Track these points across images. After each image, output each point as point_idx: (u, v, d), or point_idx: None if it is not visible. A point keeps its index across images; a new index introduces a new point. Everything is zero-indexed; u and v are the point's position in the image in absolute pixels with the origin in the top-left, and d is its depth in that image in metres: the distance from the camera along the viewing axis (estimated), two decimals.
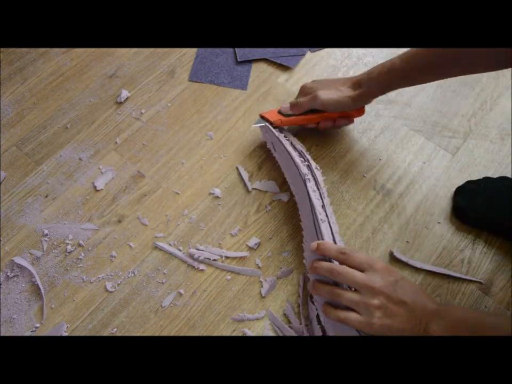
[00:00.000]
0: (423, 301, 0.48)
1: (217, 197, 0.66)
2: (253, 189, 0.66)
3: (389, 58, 0.59)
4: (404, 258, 0.60)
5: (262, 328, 0.56)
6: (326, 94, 0.62)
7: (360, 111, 0.66)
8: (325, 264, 0.50)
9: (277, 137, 0.64)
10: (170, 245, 0.62)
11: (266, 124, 0.66)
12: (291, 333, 0.55)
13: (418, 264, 0.60)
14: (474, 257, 0.61)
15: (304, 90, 0.66)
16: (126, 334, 0.56)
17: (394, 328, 0.46)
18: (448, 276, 0.60)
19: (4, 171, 0.68)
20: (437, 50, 0.54)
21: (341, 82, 0.63)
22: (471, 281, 0.59)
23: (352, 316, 0.47)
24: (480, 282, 0.59)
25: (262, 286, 0.59)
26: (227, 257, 0.61)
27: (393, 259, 0.61)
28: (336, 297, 0.49)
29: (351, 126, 0.72)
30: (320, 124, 0.66)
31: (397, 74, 0.58)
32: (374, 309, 0.46)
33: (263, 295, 0.58)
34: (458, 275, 0.59)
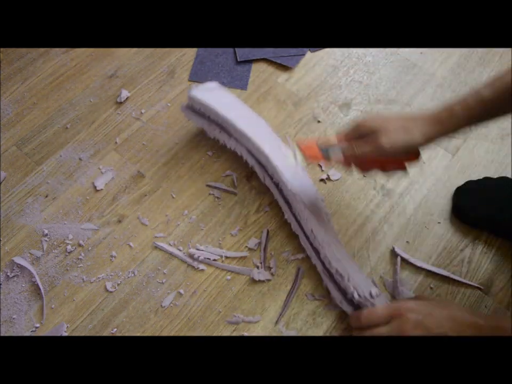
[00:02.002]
0: (465, 323, 0.45)
1: (217, 197, 0.66)
2: (253, 188, 0.66)
3: (471, 89, 0.48)
4: (405, 255, 0.60)
5: (262, 328, 0.56)
6: (392, 136, 0.47)
7: (418, 157, 0.51)
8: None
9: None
10: (170, 245, 0.62)
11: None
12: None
13: (418, 263, 0.60)
14: (474, 257, 0.61)
15: (359, 129, 0.51)
16: (126, 334, 0.56)
17: None
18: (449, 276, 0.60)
19: (4, 171, 0.68)
20: None
21: (410, 118, 0.49)
22: (471, 284, 0.59)
23: None
24: (480, 288, 0.58)
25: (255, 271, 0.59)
26: (227, 257, 0.61)
27: (394, 257, 0.61)
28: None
29: None
30: (364, 166, 0.53)
31: (486, 107, 0.46)
32: None
33: (256, 279, 0.59)
34: (458, 278, 0.59)
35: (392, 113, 0.50)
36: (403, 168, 0.52)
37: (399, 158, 0.51)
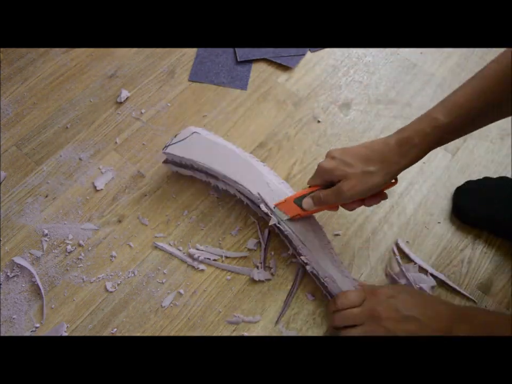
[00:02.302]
0: (434, 309, 0.47)
1: (218, 197, 0.66)
2: None
3: (426, 114, 0.48)
4: (407, 250, 0.60)
5: (262, 328, 0.56)
6: (352, 184, 0.48)
7: (393, 182, 0.51)
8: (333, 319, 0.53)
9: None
10: (170, 245, 0.62)
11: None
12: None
13: (419, 261, 0.60)
14: (474, 257, 0.61)
15: (322, 174, 0.53)
16: (126, 334, 0.56)
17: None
18: (448, 276, 0.60)
19: (4, 171, 0.68)
20: (485, 98, 0.45)
21: (369, 159, 0.49)
22: (470, 283, 0.59)
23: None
24: (474, 301, 0.58)
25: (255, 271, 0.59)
26: (227, 257, 0.61)
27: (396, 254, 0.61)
28: (347, 334, 0.51)
29: (351, 127, 0.72)
30: (347, 206, 0.53)
31: (445, 131, 0.46)
32: (384, 334, 0.47)
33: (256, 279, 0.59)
34: (455, 286, 0.59)
35: (354, 152, 0.50)
36: (381, 196, 0.52)
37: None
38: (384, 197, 0.52)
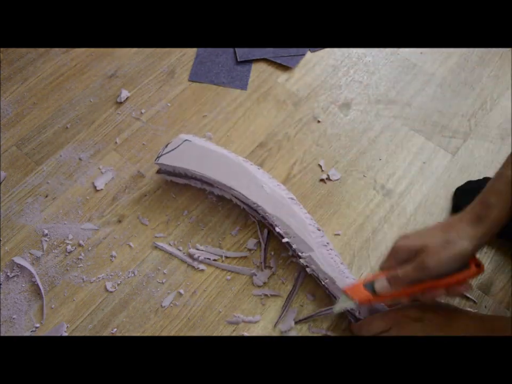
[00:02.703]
0: (462, 329, 0.46)
1: (215, 200, 0.65)
2: None
3: (494, 175, 0.46)
4: None
5: (261, 328, 0.56)
6: (435, 254, 0.43)
7: (481, 268, 0.45)
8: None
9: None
10: (170, 245, 0.62)
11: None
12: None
13: None
14: None
15: (397, 253, 0.47)
16: (126, 334, 0.56)
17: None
18: None
19: (4, 171, 0.68)
20: None
21: (449, 227, 0.45)
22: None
23: None
24: (474, 302, 0.58)
25: (255, 275, 0.59)
26: (227, 257, 0.61)
27: None
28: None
29: (351, 127, 0.72)
30: (426, 295, 0.46)
31: None
32: None
33: (257, 285, 0.58)
34: None
35: (429, 228, 0.47)
36: (466, 286, 0.45)
37: (456, 276, 0.45)
38: (468, 287, 0.45)
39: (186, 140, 0.63)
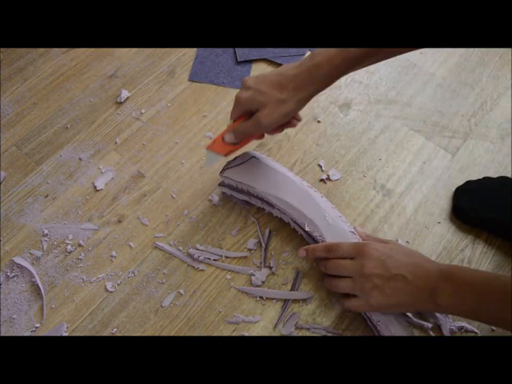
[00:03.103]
0: (422, 268, 0.48)
1: (214, 204, 0.65)
2: None
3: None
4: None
5: (261, 328, 0.56)
6: (269, 113, 0.51)
7: (297, 120, 0.58)
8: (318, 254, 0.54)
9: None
10: (170, 245, 0.62)
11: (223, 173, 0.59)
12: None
13: None
14: (474, 257, 0.61)
15: (241, 105, 0.54)
16: (126, 334, 0.56)
17: (395, 304, 0.48)
18: None
19: (4, 171, 0.68)
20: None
21: (279, 84, 0.51)
22: None
23: (353, 301, 0.51)
24: None
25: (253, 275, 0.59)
26: (227, 257, 0.61)
27: None
28: (334, 288, 0.54)
29: (351, 127, 0.72)
30: (268, 134, 0.58)
31: (353, 61, 0.51)
32: (370, 290, 0.49)
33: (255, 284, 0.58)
34: None
35: (267, 81, 0.52)
36: (296, 122, 0.58)
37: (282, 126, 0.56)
38: (298, 118, 0.58)
39: (253, 157, 0.62)
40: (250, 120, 0.53)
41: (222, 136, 0.56)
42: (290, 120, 0.56)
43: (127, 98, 0.75)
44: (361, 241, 0.56)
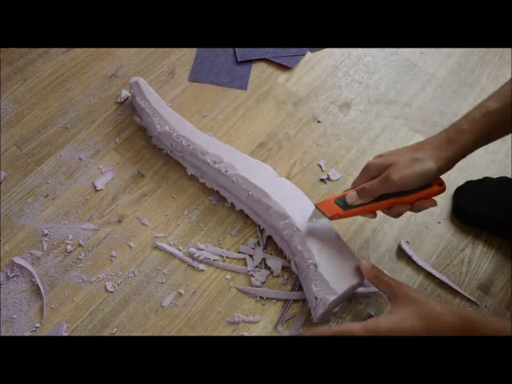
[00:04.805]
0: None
1: (217, 198, 0.65)
2: None
3: (477, 105, 0.47)
4: (409, 252, 0.60)
5: (261, 328, 0.56)
6: (401, 169, 0.47)
7: (442, 187, 0.50)
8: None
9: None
10: (170, 245, 0.62)
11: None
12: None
13: (420, 262, 0.60)
14: (474, 257, 0.61)
15: (368, 170, 0.51)
16: (126, 334, 0.56)
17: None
18: (448, 276, 0.60)
19: (4, 171, 0.68)
20: None
21: (418, 148, 0.48)
22: (470, 283, 0.59)
23: None
24: (476, 304, 0.58)
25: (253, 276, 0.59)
26: (227, 257, 0.61)
27: (398, 254, 0.61)
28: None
29: (351, 127, 0.72)
30: (392, 210, 0.51)
31: (493, 118, 0.46)
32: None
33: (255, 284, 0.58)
34: (454, 287, 0.59)
35: (401, 148, 0.50)
36: (430, 202, 0.50)
37: (422, 192, 0.49)
38: (433, 203, 0.50)
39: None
40: (379, 178, 0.49)
41: (333, 198, 0.52)
42: (424, 199, 0.49)
43: (127, 98, 0.75)
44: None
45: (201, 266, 0.60)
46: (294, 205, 0.57)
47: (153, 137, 0.69)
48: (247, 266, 0.60)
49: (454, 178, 0.67)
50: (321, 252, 0.53)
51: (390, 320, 0.44)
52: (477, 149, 0.48)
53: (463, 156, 0.48)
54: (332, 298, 0.50)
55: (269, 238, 0.62)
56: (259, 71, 0.78)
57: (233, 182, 0.59)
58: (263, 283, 0.59)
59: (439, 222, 0.64)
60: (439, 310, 0.43)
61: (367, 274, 0.50)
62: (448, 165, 0.47)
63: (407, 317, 0.44)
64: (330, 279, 0.51)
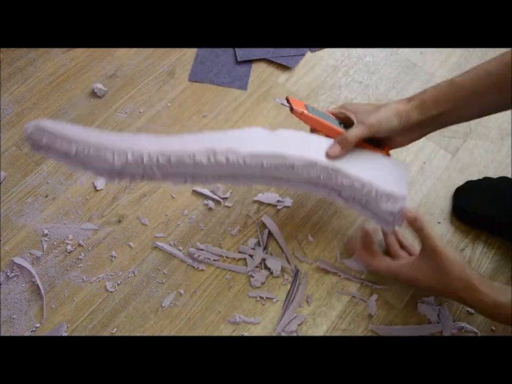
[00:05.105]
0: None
1: (216, 200, 0.65)
2: (253, 188, 0.66)
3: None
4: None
5: (261, 328, 0.56)
6: (371, 113, 0.51)
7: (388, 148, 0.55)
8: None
9: None
10: (170, 245, 0.62)
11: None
12: None
13: None
14: (474, 257, 0.61)
15: (336, 113, 0.55)
16: (126, 334, 0.56)
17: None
18: None
19: (4, 171, 0.68)
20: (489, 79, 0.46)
21: (383, 104, 0.52)
22: None
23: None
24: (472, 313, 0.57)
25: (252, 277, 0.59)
26: (227, 257, 0.61)
27: None
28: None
29: None
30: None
31: (459, 93, 0.48)
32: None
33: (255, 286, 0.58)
34: None
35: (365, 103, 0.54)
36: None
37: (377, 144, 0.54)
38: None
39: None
40: (354, 124, 0.51)
41: (307, 103, 0.56)
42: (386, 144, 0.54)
43: (127, 98, 0.75)
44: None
45: (201, 266, 0.60)
46: (310, 148, 0.53)
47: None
48: (247, 266, 0.60)
49: (454, 178, 0.67)
50: (363, 170, 0.52)
51: (412, 271, 0.51)
52: (445, 120, 0.50)
53: (425, 117, 0.49)
54: (404, 201, 0.51)
55: (269, 237, 0.62)
56: (259, 71, 0.78)
57: (243, 164, 0.50)
58: (262, 284, 0.59)
59: (439, 222, 0.64)
60: (456, 273, 0.47)
61: (412, 224, 0.52)
62: (407, 118, 0.50)
63: (428, 271, 0.49)
64: (392, 187, 0.51)
